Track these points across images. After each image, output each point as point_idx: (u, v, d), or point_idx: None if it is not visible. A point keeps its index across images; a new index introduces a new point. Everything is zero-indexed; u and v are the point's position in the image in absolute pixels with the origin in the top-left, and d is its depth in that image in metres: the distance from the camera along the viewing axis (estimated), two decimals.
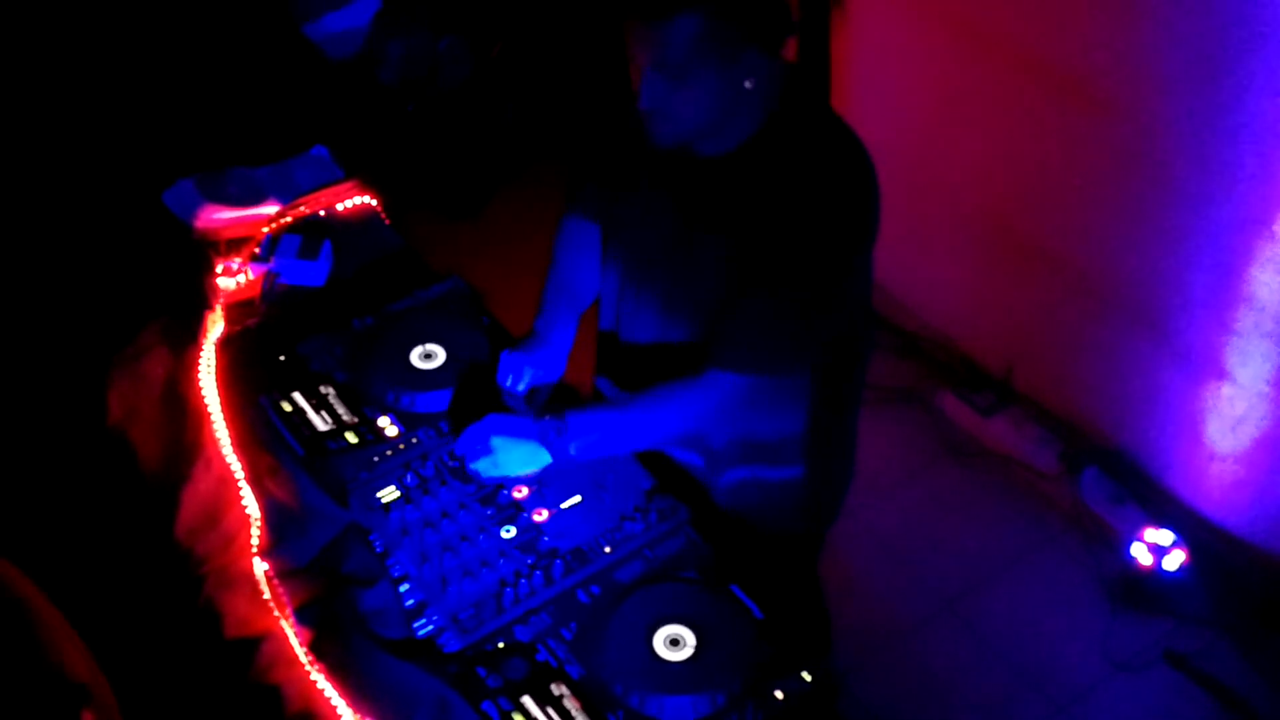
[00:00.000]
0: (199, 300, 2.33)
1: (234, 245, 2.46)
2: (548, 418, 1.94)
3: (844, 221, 1.82)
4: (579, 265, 2.16)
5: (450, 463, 2.04)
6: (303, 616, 1.84)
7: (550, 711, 1.70)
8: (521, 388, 2.06)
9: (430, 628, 1.81)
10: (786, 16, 1.78)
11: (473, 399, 2.09)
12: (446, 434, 2.09)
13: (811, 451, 2.07)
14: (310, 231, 2.47)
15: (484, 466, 1.96)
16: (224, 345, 2.25)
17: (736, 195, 1.85)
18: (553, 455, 1.94)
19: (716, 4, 1.68)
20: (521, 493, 2.00)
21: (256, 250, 2.42)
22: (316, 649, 1.80)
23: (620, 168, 2.04)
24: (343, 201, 2.57)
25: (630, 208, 2.03)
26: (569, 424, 1.93)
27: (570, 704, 1.71)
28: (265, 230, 2.47)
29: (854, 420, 2.19)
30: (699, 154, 1.87)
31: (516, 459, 1.95)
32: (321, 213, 2.55)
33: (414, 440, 2.08)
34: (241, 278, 2.39)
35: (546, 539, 1.93)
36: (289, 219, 2.52)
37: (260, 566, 1.91)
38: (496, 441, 1.95)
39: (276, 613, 1.86)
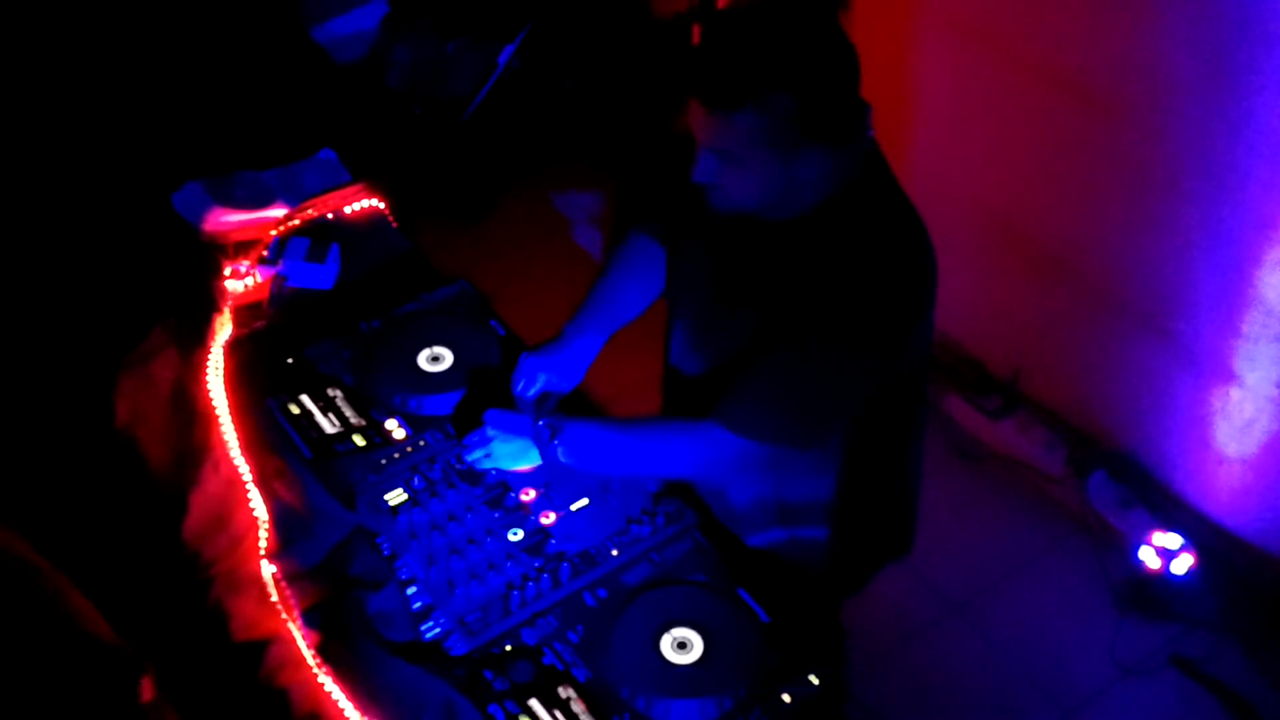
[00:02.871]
0: (207, 303, 2.33)
1: (242, 248, 2.46)
2: (545, 419, 1.94)
3: (879, 301, 1.74)
4: (627, 282, 2.12)
5: (458, 465, 2.04)
6: (310, 619, 1.84)
7: (557, 714, 1.70)
8: (532, 393, 2.06)
9: (437, 630, 1.81)
10: (856, 116, 1.73)
11: (479, 402, 2.10)
12: (454, 437, 2.10)
13: (837, 518, 2.02)
14: (318, 234, 2.47)
15: (478, 456, 2.01)
16: (232, 348, 2.25)
17: (779, 262, 1.80)
18: (542, 456, 1.96)
19: (784, 107, 1.63)
20: (529, 496, 2.00)
21: (264, 253, 2.42)
22: (324, 651, 1.81)
23: (682, 208, 1.99)
24: (350, 205, 2.57)
25: (686, 245, 2.00)
26: (564, 429, 1.93)
27: (577, 707, 1.71)
28: (273, 233, 2.47)
29: (898, 492, 2.12)
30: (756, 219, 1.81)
31: (508, 453, 1.99)
32: (329, 216, 2.55)
33: (421, 443, 2.08)
34: (249, 280, 2.39)
35: (554, 542, 1.94)
36: (297, 222, 2.52)
37: (268, 569, 1.91)
38: (491, 433, 1.99)
39: (284, 615, 1.87)
